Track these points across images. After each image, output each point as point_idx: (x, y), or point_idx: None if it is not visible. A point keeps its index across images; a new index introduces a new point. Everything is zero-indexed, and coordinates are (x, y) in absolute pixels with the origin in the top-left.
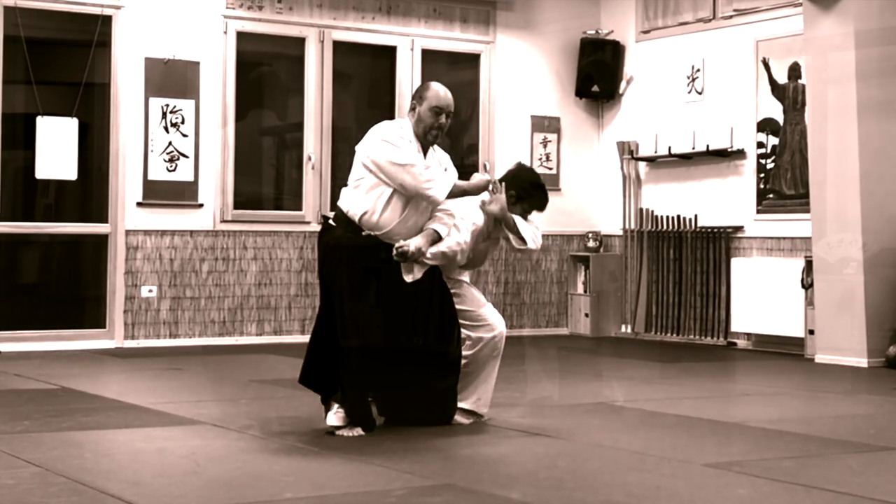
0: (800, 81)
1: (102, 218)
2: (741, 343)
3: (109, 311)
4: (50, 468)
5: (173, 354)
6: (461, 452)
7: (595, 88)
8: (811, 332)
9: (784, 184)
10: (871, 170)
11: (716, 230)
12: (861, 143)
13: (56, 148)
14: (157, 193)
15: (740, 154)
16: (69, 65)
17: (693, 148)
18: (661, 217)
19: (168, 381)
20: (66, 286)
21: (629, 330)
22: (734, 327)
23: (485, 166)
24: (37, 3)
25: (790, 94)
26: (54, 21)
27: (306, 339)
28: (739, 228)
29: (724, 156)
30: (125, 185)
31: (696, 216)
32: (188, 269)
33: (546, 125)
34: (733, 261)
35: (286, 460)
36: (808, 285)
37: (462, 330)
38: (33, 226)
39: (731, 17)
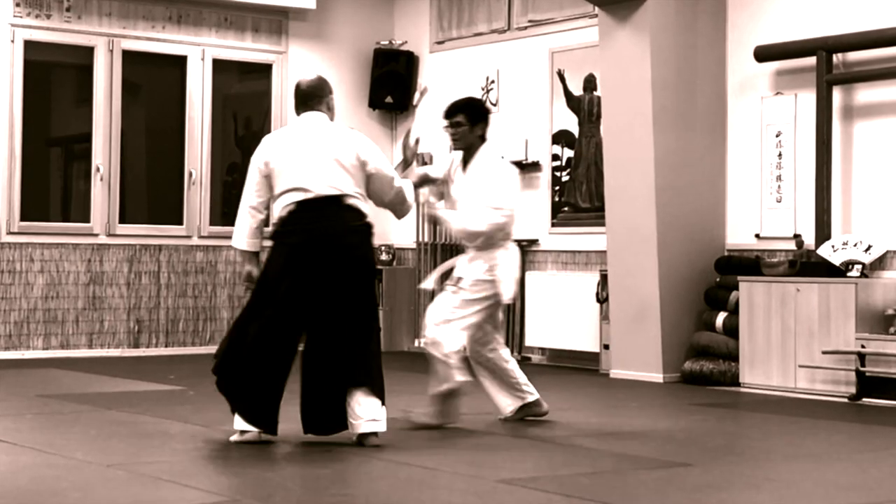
0: (595, 93)
1: None
2: (535, 358)
3: None
4: None
5: None
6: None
7: (389, 99)
8: (606, 346)
9: (579, 197)
10: (667, 183)
11: None
12: (657, 155)
13: None
14: None
15: (535, 166)
16: None
17: None
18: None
19: None
20: None
21: (422, 344)
22: (528, 342)
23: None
24: None
25: (585, 105)
26: None
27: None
28: (534, 242)
29: (519, 168)
30: None
31: None
32: None
33: None
34: (528, 274)
35: (74, 476)
36: (603, 299)
37: None
38: None
39: (525, 27)
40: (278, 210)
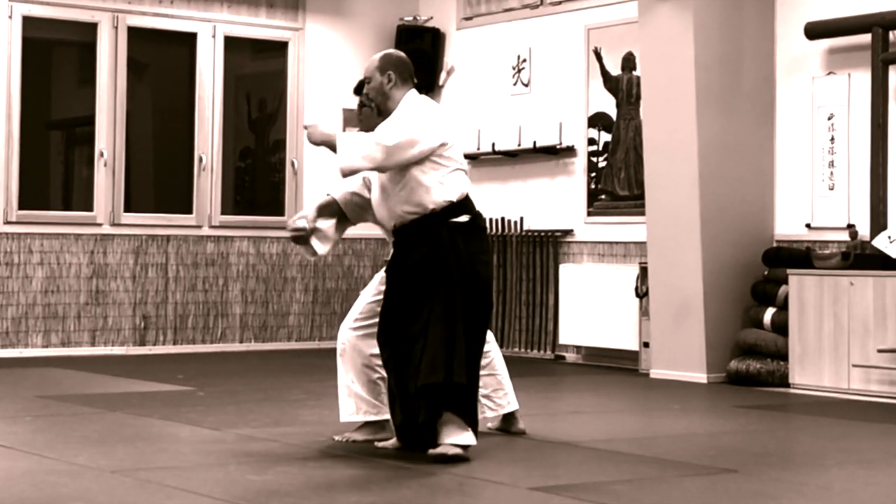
0: (634, 73)
1: None
2: (570, 356)
3: None
4: None
5: None
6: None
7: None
8: (646, 344)
9: (617, 184)
10: (711, 169)
11: (543, 234)
12: (700, 140)
13: None
14: None
15: (570, 151)
16: None
17: (519, 145)
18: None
19: None
20: None
21: None
22: (562, 339)
23: (293, 164)
24: None
25: (624, 86)
26: None
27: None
28: (569, 232)
29: (553, 153)
30: None
31: (521, 219)
32: None
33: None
34: (562, 267)
35: (75, 482)
36: (642, 294)
37: None
38: None
39: (560, 2)
40: (454, 189)
